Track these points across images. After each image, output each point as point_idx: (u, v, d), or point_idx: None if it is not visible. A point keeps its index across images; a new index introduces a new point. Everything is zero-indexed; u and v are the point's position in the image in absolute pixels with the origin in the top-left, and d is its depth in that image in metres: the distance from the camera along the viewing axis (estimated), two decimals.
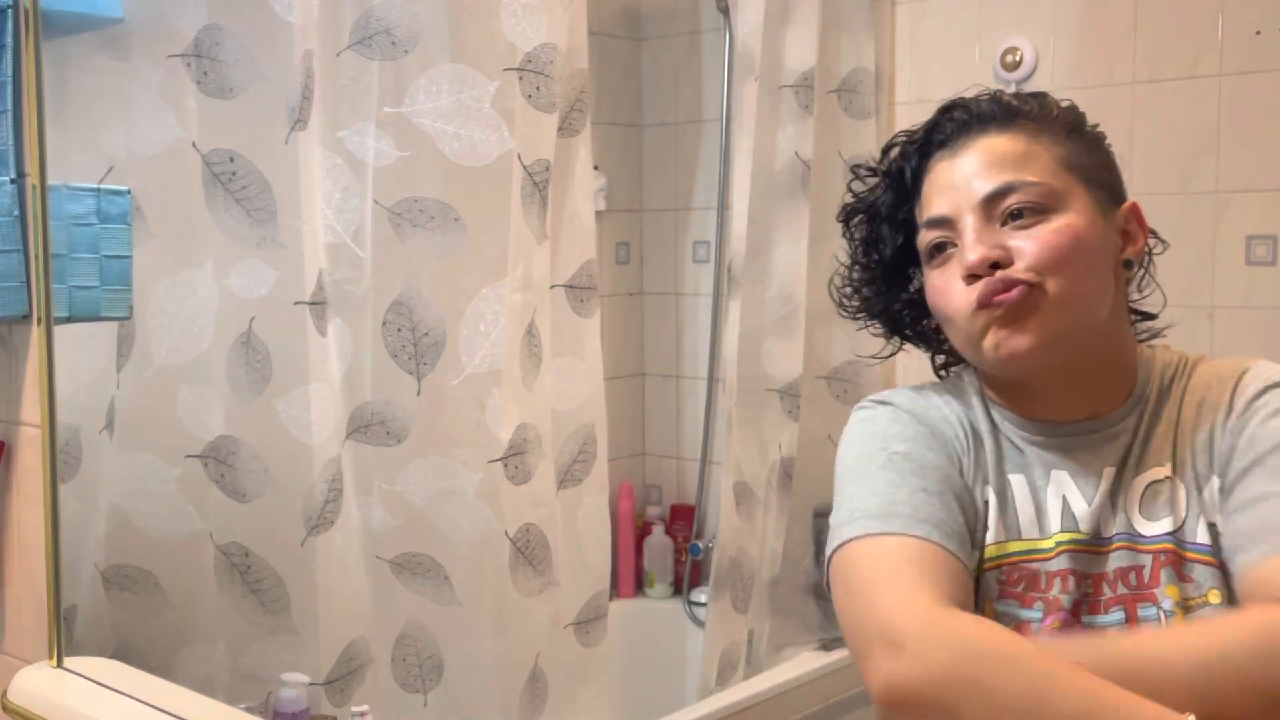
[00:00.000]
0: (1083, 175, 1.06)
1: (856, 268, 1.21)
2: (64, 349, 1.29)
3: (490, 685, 1.83)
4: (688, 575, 2.98)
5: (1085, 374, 1.08)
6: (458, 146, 1.73)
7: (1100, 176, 1.08)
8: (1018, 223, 1.04)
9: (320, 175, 1.69)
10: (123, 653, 1.67)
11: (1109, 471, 1.07)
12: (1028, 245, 1.03)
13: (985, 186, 1.05)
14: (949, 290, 1.07)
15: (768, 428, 2.52)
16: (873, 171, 1.20)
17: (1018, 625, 1.04)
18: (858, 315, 1.23)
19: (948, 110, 1.12)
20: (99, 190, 1.27)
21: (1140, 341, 1.15)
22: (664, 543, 3.04)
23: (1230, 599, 1.01)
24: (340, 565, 1.72)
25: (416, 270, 1.74)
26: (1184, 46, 2.22)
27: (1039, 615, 1.04)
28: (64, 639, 1.34)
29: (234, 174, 1.61)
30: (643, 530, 3.08)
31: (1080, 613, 1.04)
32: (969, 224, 1.05)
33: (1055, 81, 2.37)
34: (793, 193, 2.48)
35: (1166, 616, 1.02)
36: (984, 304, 1.03)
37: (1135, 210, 1.11)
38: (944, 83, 2.52)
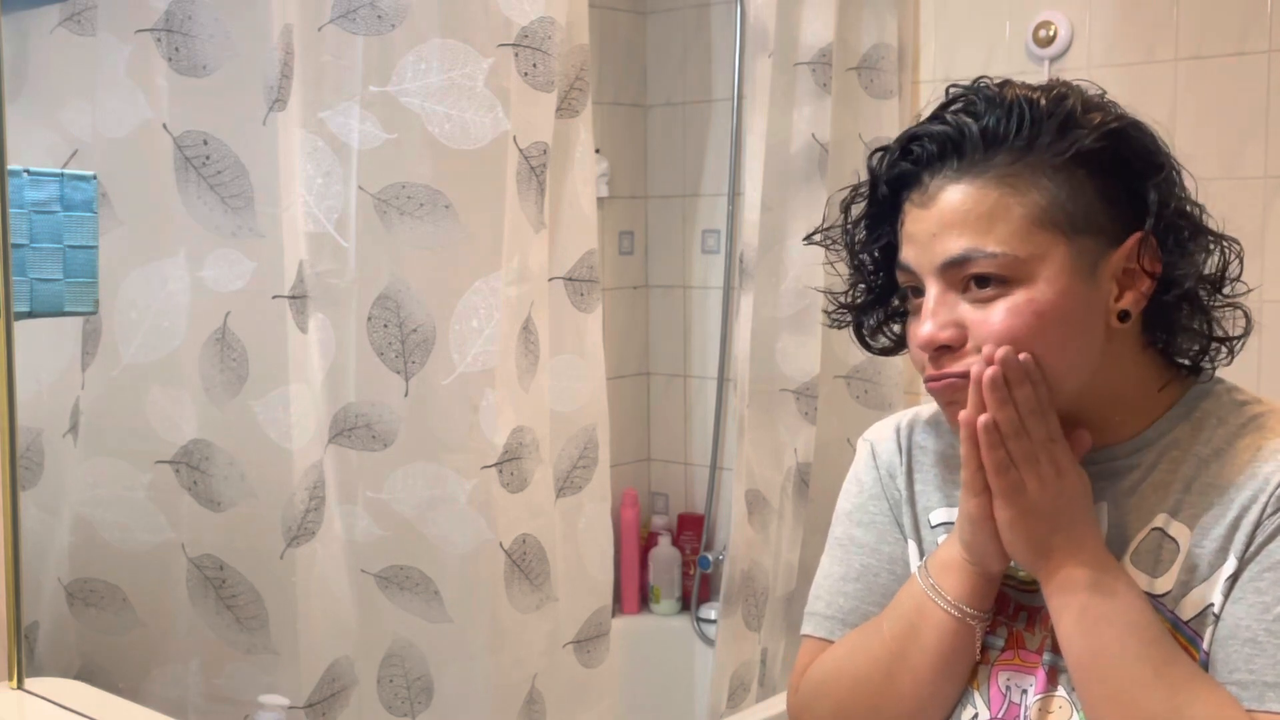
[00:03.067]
0: (1067, 226, 1.01)
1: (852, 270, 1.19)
2: (25, 346, 1.28)
3: (484, 708, 1.83)
4: (696, 590, 2.98)
5: (1085, 414, 1.07)
6: (449, 128, 1.73)
7: (1095, 216, 1.02)
8: (981, 291, 1.02)
9: (301, 159, 1.69)
10: (88, 673, 1.67)
11: (1102, 507, 1.08)
12: (979, 327, 1.02)
13: (943, 253, 1.03)
14: (915, 345, 1.08)
15: (782, 431, 2.52)
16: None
17: (981, 651, 1.10)
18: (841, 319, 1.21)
19: (911, 141, 1.08)
20: (62, 175, 1.26)
21: (1189, 369, 1.10)
22: (671, 555, 3.04)
23: None
24: (322, 579, 1.71)
25: (404, 261, 1.73)
26: (1231, 20, 2.22)
27: (1000, 643, 1.11)
28: (25, 659, 1.33)
29: (208, 158, 1.61)
30: (648, 541, 3.09)
31: (1044, 650, 1.08)
32: (929, 290, 1.04)
33: (1091, 59, 2.37)
34: (809, 178, 2.48)
35: None
36: (936, 391, 1.06)
37: (1139, 246, 1.03)
38: (972, 59, 2.52)
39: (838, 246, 1.17)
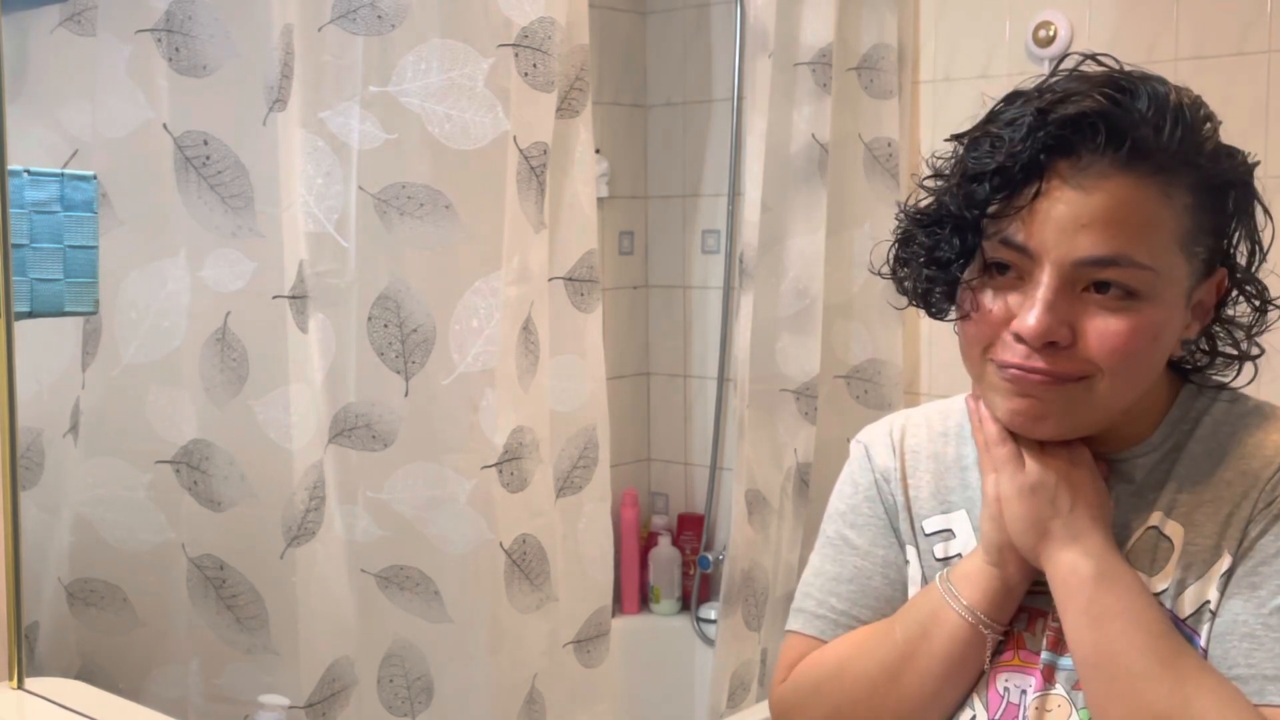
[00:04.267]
0: (1192, 250, 0.99)
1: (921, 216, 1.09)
2: (25, 346, 1.28)
3: (484, 708, 1.83)
4: (696, 590, 2.98)
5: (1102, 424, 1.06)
6: (449, 128, 1.72)
7: (1208, 247, 1.01)
8: (1100, 297, 0.97)
9: (301, 159, 1.69)
10: (88, 673, 1.67)
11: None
12: (1098, 334, 0.97)
13: (1089, 250, 0.96)
14: (987, 321, 1.02)
15: (782, 431, 2.51)
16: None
17: None
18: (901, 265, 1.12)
19: (1073, 107, 0.96)
20: (63, 175, 1.26)
21: (1192, 375, 1.10)
22: (671, 555, 3.04)
23: None
24: (322, 579, 1.71)
25: (404, 261, 1.73)
26: (1231, 20, 2.21)
27: (1000, 645, 1.10)
28: (25, 659, 1.33)
29: (208, 158, 1.61)
30: (648, 541, 3.08)
31: (1041, 649, 1.08)
32: (1046, 279, 0.97)
33: None
34: (809, 178, 2.48)
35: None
36: (1014, 380, 1.00)
37: (1222, 282, 1.05)
38: (972, 60, 2.52)
39: (946, 192, 1.05)
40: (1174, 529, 1.03)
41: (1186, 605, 1.02)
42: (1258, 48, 2.19)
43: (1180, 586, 1.02)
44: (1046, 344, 0.98)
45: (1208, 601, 1.01)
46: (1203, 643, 1.01)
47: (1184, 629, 1.01)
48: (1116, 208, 0.95)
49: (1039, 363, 0.98)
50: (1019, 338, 0.99)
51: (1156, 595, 1.02)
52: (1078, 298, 0.98)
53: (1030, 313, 0.97)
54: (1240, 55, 2.21)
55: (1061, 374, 0.98)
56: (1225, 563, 1.01)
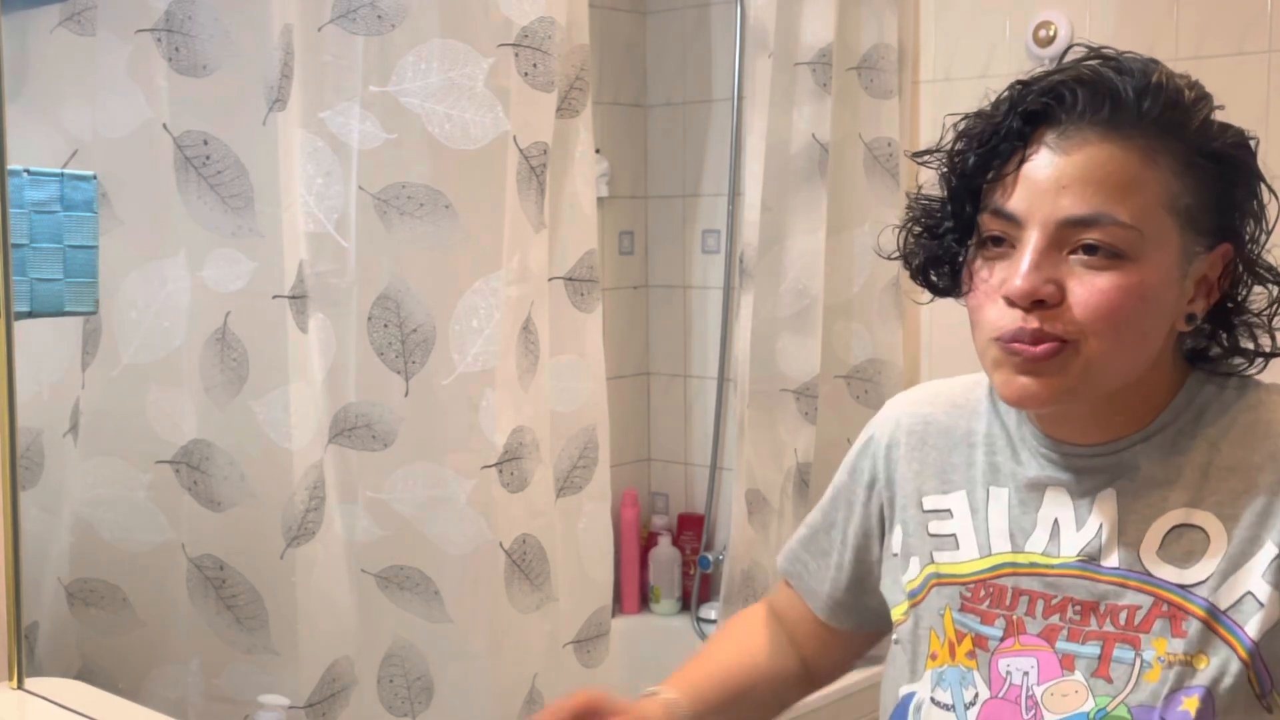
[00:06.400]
0: (1184, 217, 1.00)
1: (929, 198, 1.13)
2: (25, 346, 1.28)
3: (484, 708, 1.83)
4: (696, 590, 2.98)
5: (1104, 404, 1.06)
6: (449, 128, 1.72)
7: (1205, 217, 1.01)
8: (1087, 258, 0.98)
9: (301, 159, 1.69)
10: (88, 673, 1.67)
11: (1110, 497, 1.06)
12: (1084, 292, 0.98)
13: (1070, 209, 0.98)
14: (985, 293, 1.03)
15: (783, 431, 2.51)
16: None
17: (978, 639, 1.10)
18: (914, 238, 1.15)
19: (1058, 79, 1.01)
20: (63, 175, 1.27)
21: (1203, 363, 1.10)
22: (671, 555, 3.04)
23: (1221, 672, 1.00)
24: (322, 579, 1.71)
25: (404, 261, 1.73)
26: (1230, 20, 2.22)
27: (999, 634, 1.09)
28: (25, 659, 1.33)
29: (208, 158, 1.61)
30: (648, 541, 3.09)
31: (1055, 638, 1.07)
32: (1032, 241, 0.99)
33: None
34: (809, 178, 2.48)
35: (1143, 666, 1.02)
36: (1006, 344, 1.01)
37: (1226, 256, 1.04)
38: (972, 59, 2.52)
39: (942, 169, 1.09)
40: (1205, 518, 1.02)
41: (1227, 596, 1.01)
42: (1258, 48, 2.19)
43: (1221, 577, 1.01)
44: (1035, 303, 0.99)
45: (1250, 591, 1.00)
46: (1253, 634, 0.99)
47: (1225, 620, 1.00)
48: (1096, 168, 0.98)
49: (1032, 323, 0.99)
50: (1010, 301, 1.00)
51: (1192, 587, 1.01)
52: (1065, 260, 0.99)
53: (1017, 274, 1.00)
54: (1240, 55, 2.21)
55: (1052, 334, 0.99)
56: (1270, 552, 1.00)
